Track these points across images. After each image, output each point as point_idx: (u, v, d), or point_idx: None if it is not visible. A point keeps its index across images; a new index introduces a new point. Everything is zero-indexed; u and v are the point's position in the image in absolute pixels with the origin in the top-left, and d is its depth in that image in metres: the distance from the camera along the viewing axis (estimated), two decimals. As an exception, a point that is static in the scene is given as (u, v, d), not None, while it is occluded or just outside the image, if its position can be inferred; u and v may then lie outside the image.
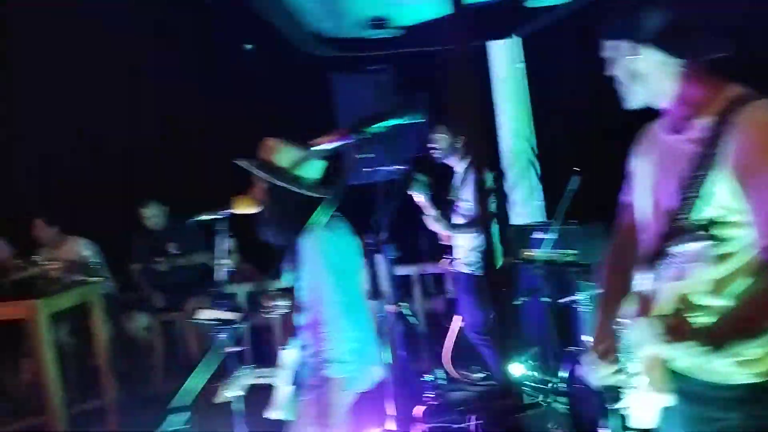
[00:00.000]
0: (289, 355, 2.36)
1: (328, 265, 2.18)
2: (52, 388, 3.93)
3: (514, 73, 4.63)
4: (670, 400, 1.39)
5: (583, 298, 3.53)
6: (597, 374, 1.58)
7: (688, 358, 1.34)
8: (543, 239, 4.09)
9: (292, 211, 2.27)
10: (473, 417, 3.36)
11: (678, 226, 1.34)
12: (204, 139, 6.52)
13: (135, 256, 5.47)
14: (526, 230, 4.28)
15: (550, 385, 3.74)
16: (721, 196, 1.32)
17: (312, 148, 2.34)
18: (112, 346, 4.88)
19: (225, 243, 2.61)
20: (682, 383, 1.41)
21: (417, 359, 4.75)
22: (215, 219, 2.55)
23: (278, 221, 2.30)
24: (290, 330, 2.38)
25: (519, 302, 4.10)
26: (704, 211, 1.33)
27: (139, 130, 6.32)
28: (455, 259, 4.08)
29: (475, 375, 4.52)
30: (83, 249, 5.16)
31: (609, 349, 1.55)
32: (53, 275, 4.30)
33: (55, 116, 6.21)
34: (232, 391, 2.52)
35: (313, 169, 2.34)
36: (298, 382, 2.32)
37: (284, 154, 2.31)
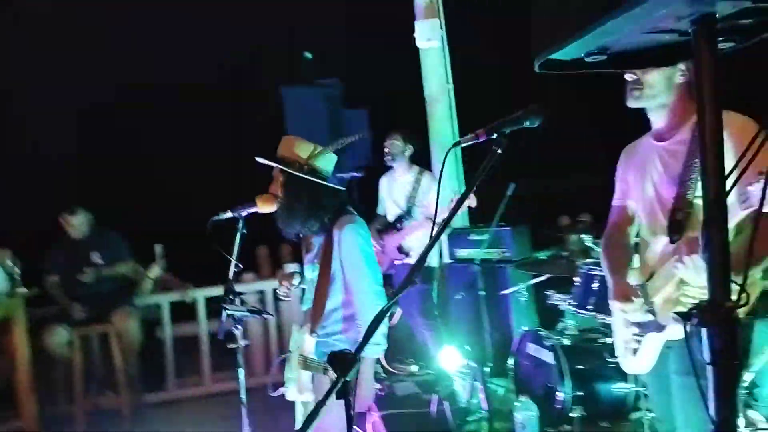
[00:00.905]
0: (307, 340, 2.54)
1: (366, 255, 2.45)
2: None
3: (444, 92, 5.14)
4: (680, 331, 1.84)
5: (520, 290, 4.04)
6: (629, 313, 1.98)
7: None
8: (479, 240, 4.61)
9: (313, 202, 2.46)
10: (436, 397, 3.68)
11: (680, 206, 1.83)
12: (127, 147, 6.30)
13: (53, 266, 5.14)
14: (464, 232, 4.77)
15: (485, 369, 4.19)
16: None
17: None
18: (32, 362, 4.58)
19: (239, 242, 2.69)
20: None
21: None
22: (235, 218, 2.65)
23: (302, 212, 2.47)
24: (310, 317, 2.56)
25: (458, 296, 4.54)
26: (698, 190, 1.81)
27: (59, 136, 5.96)
28: (409, 254, 4.39)
29: (410, 367, 4.88)
30: (5, 260, 4.77)
31: (633, 293, 1.96)
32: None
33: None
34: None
35: (328, 162, 2.56)
36: (316, 366, 2.51)
37: (301, 147, 2.52)
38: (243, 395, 2.79)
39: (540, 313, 4.37)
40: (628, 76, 1.92)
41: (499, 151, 1.62)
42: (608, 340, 3.53)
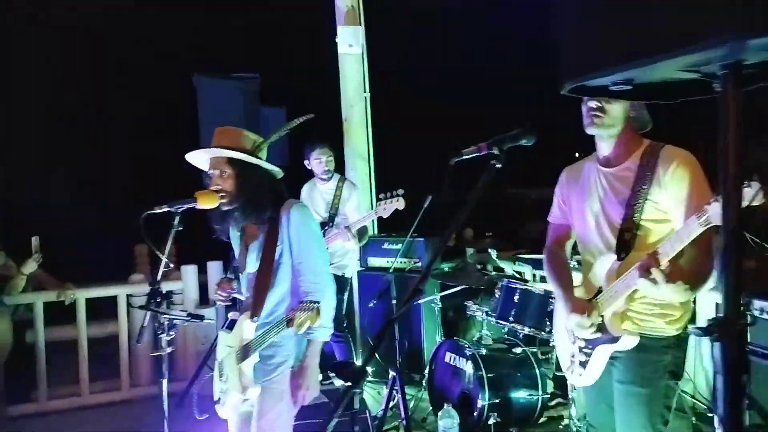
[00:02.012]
0: (246, 327, 2.38)
1: (316, 235, 2.39)
2: None
3: (361, 99, 5.16)
4: (631, 342, 1.99)
5: (435, 300, 4.15)
6: (583, 331, 2.09)
7: (669, 292, 1.83)
8: (393, 249, 4.67)
9: (267, 189, 2.39)
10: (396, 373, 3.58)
11: (627, 227, 2.00)
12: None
13: None
14: (378, 241, 4.80)
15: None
16: (657, 203, 1.99)
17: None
18: None
19: (172, 239, 2.49)
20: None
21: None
22: (170, 213, 2.44)
23: (258, 201, 2.36)
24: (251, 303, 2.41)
25: (371, 305, 4.55)
26: (645, 213, 1.99)
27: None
28: (331, 262, 4.31)
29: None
30: None
31: (590, 308, 2.07)
32: None
33: None
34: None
35: (265, 153, 2.49)
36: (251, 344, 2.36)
37: (248, 137, 2.43)
38: (165, 407, 2.58)
39: (452, 324, 4.52)
40: (592, 104, 2.04)
41: (498, 165, 1.66)
42: (518, 350, 3.75)
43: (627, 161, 2.08)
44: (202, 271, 5.30)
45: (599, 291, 2.11)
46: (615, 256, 2.06)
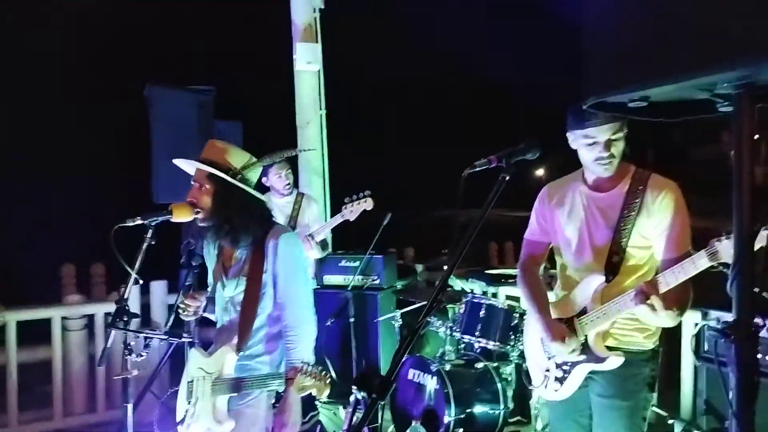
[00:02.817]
0: (228, 360, 2.29)
1: (303, 267, 2.33)
2: None
3: (317, 117, 5.15)
4: (617, 362, 2.07)
5: (396, 316, 4.15)
6: (564, 353, 2.13)
7: (665, 318, 1.94)
8: (350, 267, 4.64)
9: (247, 213, 2.30)
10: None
11: (615, 250, 2.09)
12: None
13: None
14: (335, 258, 4.75)
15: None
16: (643, 229, 2.10)
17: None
18: None
19: (143, 254, 2.36)
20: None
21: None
22: (144, 225, 2.32)
23: (235, 224, 2.27)
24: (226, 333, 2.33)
25: (328, 323, 4.48)
26: (631, 239, 2.09)
27: None
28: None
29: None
30: None
31: (569, 334, 2.13)
32: None
33: None
34: None
35: (256, 174, 2.42)
36: (239, 383, 2.28)
37: (236, 156, 2.34)
38: (130, 432, 2.41)
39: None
40: (605, 153, 2.10)
41: (507, 177, 1.71)
42: (479, 365, 3.80)
43: (616, 188, 2.18)
44: (145, 292, 5.04)
45: (583, 310, 2.16)
46: (603, 278, 2.13)
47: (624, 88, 1.35)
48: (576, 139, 2.16)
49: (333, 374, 4.60)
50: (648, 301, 1.87)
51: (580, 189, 2.27)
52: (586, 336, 2.13)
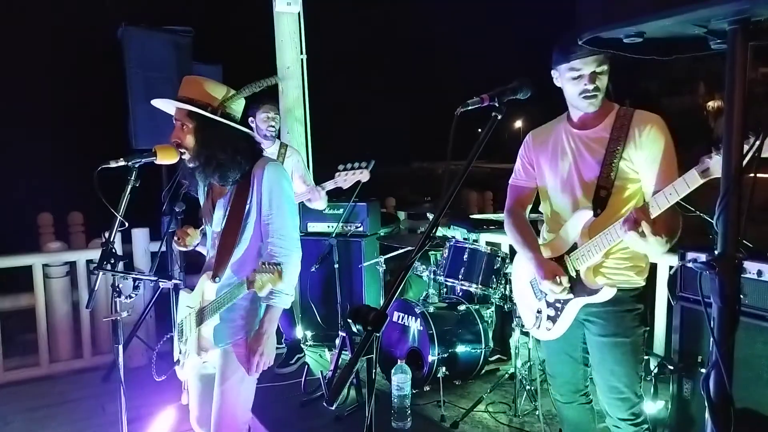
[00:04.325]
0: (207, 287, 2.29)
1: (289, 196, 2.27)
2: None
3: (298, 61, 5.03)
4: (609, 293, 2.12)
5: (380, 262, 4.20)
6: (557, 291, 2.17)
7: (654, 245, 1.93)
8: (334, 214, 4.65)
9: (232, 148, 2.23)
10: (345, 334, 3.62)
11: (603, 185, 2.11)
12: None
13: None
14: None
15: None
16: (630, 163, 2.12)
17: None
18: None
19: (128, 196, 2.32)
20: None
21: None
22: (127, 167, 2.27)
23: (221, 161, 2.21)
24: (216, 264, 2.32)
25: (313, 269, 4.53)
26: (618, 172, 2.11)
27: None
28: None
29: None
30: None
31: (560, 272, 2.17)
32: None
33: None
34: None
35: (239, 106, 2.33)
36: (210, 306, 2.28)
37: (215, 90, 2.25)
38: (121, 374, 2.44)
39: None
40: (590, 86, 2.09)
41: (499, 117, 1.71)
42: (462, 308, 3.90)
43: (601, 124, 2.18)
44: (127, 240, 5.00)
45: (573, 246, 2.20)
46: (591, 213, 2.15)
47: (619, 23, 1.34)
48: (561, 75, 2.16)
49: (318, 319, 4.73)
50: (639, 228, 1.88)
51: (565, 129, 2.28)
52: (577, 271, 2.18)
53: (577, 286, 2.18)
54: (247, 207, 2.26)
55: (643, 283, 2.22)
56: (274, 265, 2.04)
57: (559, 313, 2.25)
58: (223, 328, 2.26)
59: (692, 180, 1.78)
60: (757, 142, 1.36)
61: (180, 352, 2.46)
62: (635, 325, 2.17)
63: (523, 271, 2.45)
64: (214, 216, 2.37)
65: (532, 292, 2.39)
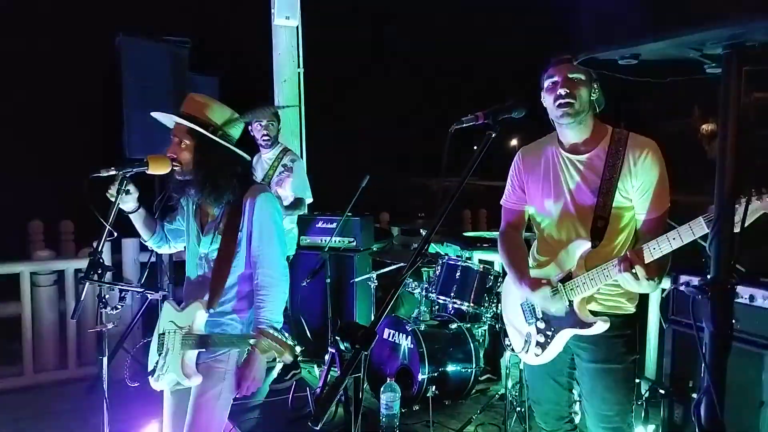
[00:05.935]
0: (199, 316, 2.27)
1: (279, 227, 2.29)
2: None
3: (295, 74, 5.04)
4: (603, 327, 2.10)
5: (372, 278, 4.17)
6: (550, 304, 2.13)
7: (645, 287, 1.93)
8: (327, 228, 4.62)
9: (226, 170, 2.25)
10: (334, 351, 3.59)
11: (601, 215, 2.08)
12: None
13: None
14: (312, 219, 4.73)
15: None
16: (625, 191, 2.09)
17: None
18: None
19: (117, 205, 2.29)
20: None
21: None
22: (119, 177, 2.25)
23: (213, 180, 2.21)
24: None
25: (304, 283, 4.49)
26: (615, 201, 2.09)
27: None
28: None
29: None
30: None
31: (545, 284, 2.12)
32: None
33: None
34: None
35: (238, 130, 2.35)
36: (207, 340, 2.26)
37: (217, 111, 2.27)
38: (105, 386, 2.39)
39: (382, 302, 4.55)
40: (562, 91, 2.04)
41: (493, 135, 1.70)
42: (453, 326, 3.87)
43: (596, 148, 2.12)
44: (117, 250, 4.96)
45: (568, 275, 2.14)
46: (589, 244, 2.10)
47: (615, 45, 1.34)
48: (544, 90, 2.12)
49: (308, 334, 4.68)
50: (632, 270, 1.87)
51: (557, 151, 2.22)
52: (571, 302, 2.13)
53: (569, 318, 2.14)
54: (239, 236, 2.28)
55: (634, 310, 2.19)
56: (284, 340, 2.09)
57: (549, 341, 2.21)
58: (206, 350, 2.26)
59: (697, 229, 1.75)
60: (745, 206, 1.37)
61: (157, 364, 2.42)
62: (625, 351, 2.13)
63: (513, 293, 2.39)
64: (203, 239, 2.36)
65: (522, 316, 2.34)
